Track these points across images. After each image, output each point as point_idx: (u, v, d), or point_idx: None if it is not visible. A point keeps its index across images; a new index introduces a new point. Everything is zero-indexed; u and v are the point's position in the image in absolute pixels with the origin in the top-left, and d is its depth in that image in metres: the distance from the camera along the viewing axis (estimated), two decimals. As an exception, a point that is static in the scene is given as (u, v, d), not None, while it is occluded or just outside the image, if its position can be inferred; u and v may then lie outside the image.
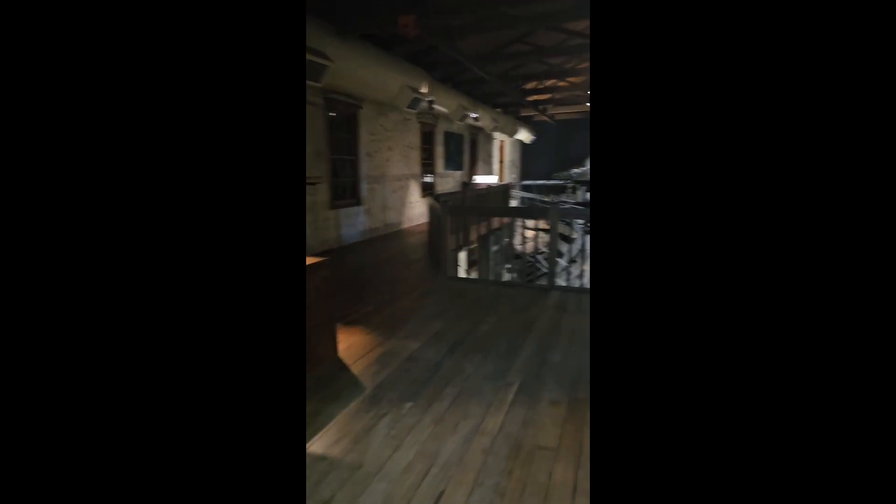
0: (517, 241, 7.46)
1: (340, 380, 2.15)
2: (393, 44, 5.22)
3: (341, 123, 5.83)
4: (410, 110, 5.89)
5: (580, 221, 8.46)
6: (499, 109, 10.00)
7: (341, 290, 3.67)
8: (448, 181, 9.23)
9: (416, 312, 3.16)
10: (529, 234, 8.71)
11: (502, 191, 8.70)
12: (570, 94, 9.63)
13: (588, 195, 12.71)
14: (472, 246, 6.48)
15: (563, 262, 7.91)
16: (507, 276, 7.72)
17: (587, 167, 13.74)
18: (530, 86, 9.05)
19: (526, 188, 13.45)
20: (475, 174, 10.73)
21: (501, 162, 13.00)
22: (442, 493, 1.40)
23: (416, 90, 5.61)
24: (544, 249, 9.12)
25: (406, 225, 7.57)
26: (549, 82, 9.15)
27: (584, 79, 8.27)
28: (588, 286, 4.44)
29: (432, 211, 4.89)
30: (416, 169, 7.87)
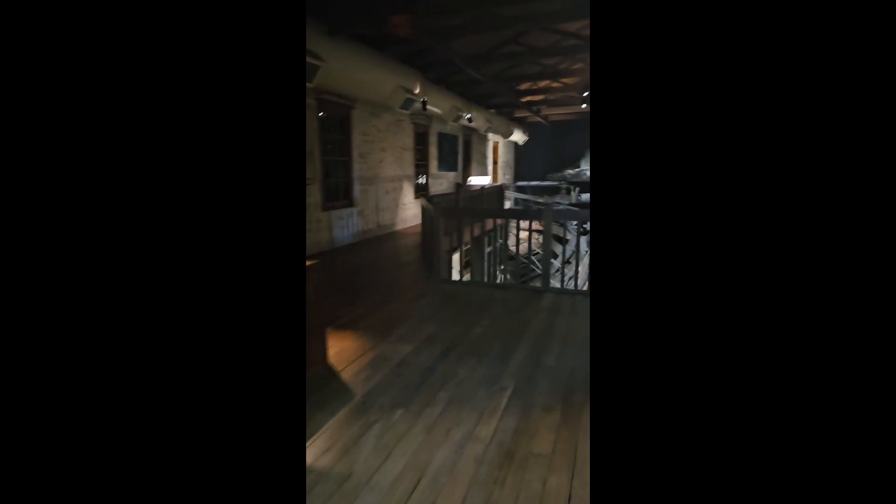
0: (511, 242, 7.44)
1: (330, 386, 2.10)
2: (386, 44, 5.18)
3: (334, 124, 5.78)
4: (404, 111, 5.86)
5: (574, 223, 8.46)
6: (493, 110, 9.99)
7: (333, 293, 3.62)
8: (442, 182, 9.19)
9: (408, 315, 3.12)
10: (523, 235, 8.70)
11: (496, 192, 8.68)
12: (563, 94, 9.64)
13: (582, 196, 12.73)
14: (467, 247, 6.45)
15: (556, 263, 7.90)
16: (500, 278, 7.70)
17: (581, 168, 13.77)
18: (524, 87, 9.04)
19: (520, 189, 13.45)
20: (469, 175, 10.71)
21: (495, 163, 12.99)
22: (433, 504, 1.36)
23: (409, 91, 5.57)
24: (538, 250, 9.11)
25: (399, 226, 7.52)
26: (543, 83, 9.16)
27: (577, 80, 8.27)
28: (582, 288, 4.42)
29: (425, 212, 4.85)
30: (410, 170, 7.82)
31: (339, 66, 4.43)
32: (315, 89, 4.92)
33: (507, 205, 10.79)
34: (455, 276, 5.47)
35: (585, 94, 8.46)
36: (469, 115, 7.97)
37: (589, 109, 10.41)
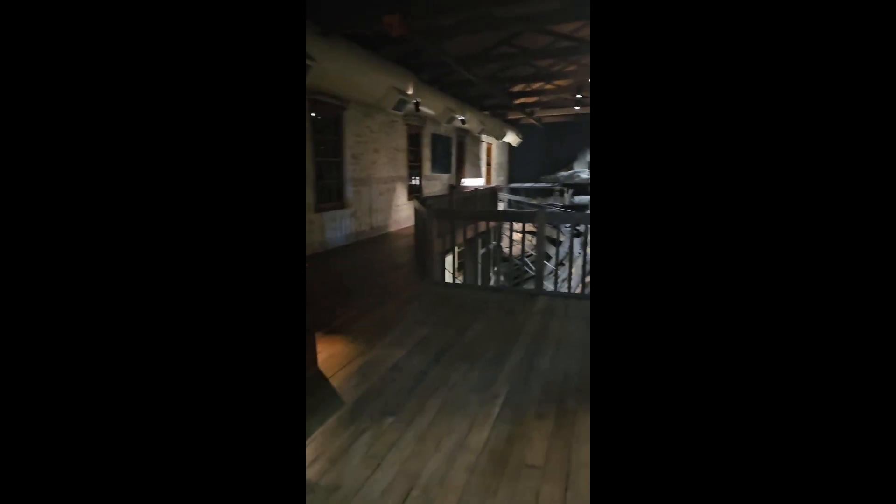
0: (505, 243, 7.42)
1: (319, 393, 2.05)
2: (379, 45, 5.14)
3: (326, 125, 5.73)
4: (397, 112, 5.81)
5: (567, 225, 8.46)
6: (486, 112, 9.98)
7: (324, 296, 3.57)
8: (435, 184, 9.16)
9: (401, 319, 3.08)
10: (517, 236, 8.68)
11: (490, 194, 8.66)
12: (557, 97, 9.65)
13: (575, 198, 12.75)
14: (460, 249, 6.41)
15: (550, 265, 7.89)
16: (494, 280, 7.67)
17: (575, 170, 13.79)
18: (517, 88, 9.03)
19: (514, 191, 13.45)
20: (463, 177, 10.68)
21: (489, 165, 12.98)
22: (423, 517, 1.32)
23: (402, 92, 5.53)
24: (532, 252, 9.10)
25: (393, 228, 7.48)
26: (537, 85, 9.16)
27: (571, 82, 8.28)
28: (575, 290, 4.40)
29: (418, 214, 4.81)
30: (403, 171, 7.78)
31: (332, 67, 4.38)
32: (307, 90, 4.87)
33: (501, 206, 10.78)
34: (448, 278, 5.43)
35: (579, 96, 8.48)
36: (462, 117, 7.94)
37: (582, 111, 10.45)
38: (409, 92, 5.76)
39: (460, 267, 6.82)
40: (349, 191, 6.21)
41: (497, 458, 1.58)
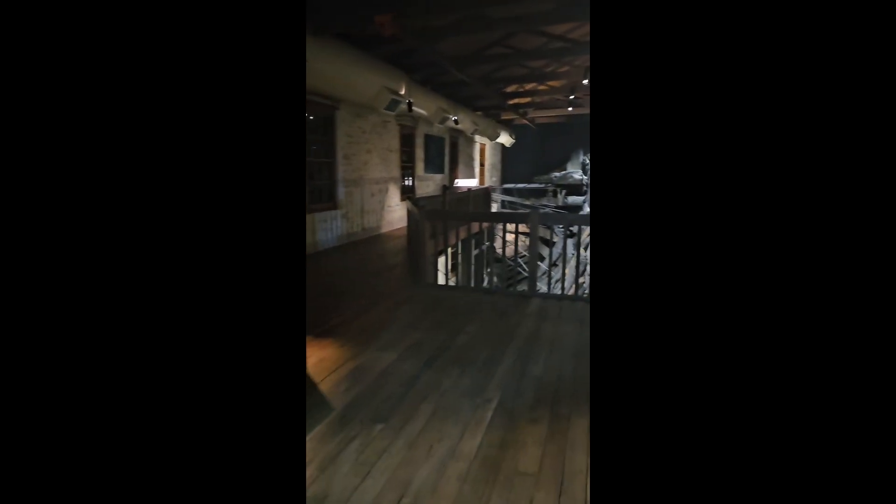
0: (498, 244, 7.39)
1: (307, 399, 2.01)
2: (371, 44, 5.09)
3: (317, 125, 5.67)
4: (389, 112, 5.77)
5: (560, 226, 8.46)
6: (479, 113, 9.96)
7: (314, 299, 3.51)
8: (428, 184, 9.12)
9: (392, 322, 3.04)
10: (510, 237, 8.67)
11: (483, 194, 8.64)
12: (550, 97, 9.65)
13: (568, 199, 12.77)
14: (453, 250, 6.38)
15: (543, 265, 7.88)
16: (487, 280, 7.65)
17: (568, 171, 13.82)
18: (511, 89, 9.02)
19: (507, 191, 13.44)
20: (456, 177, 10.65)
21: (482, 165, 12.97)
22: (413, 528, 1.29)
23: (394, 92, 5.49)
24: (525, 253, 9.09)
25: (385, 229, 7.43)
26: (530, 86, 9.15)
27: (564, 83, 8.29)
28: (569, 292, 4.39)
29: (411, 215, 4.78)
30: (396, 172, 7.73)
31: (323, 66, 4.33)
32: (298, 89, 4.80)
33: (494, 207, 10.76)
34: (441, 279, 5.40)
35: (572, 97, 8.48)
36: (455, 117, 7.91)
37: (575, 112, 10.47)
38: (402, 92, 5.72)
39: (453, 268, 6.79)
40: (341, 192, 6.16)
41: (490, 466, 1.55)
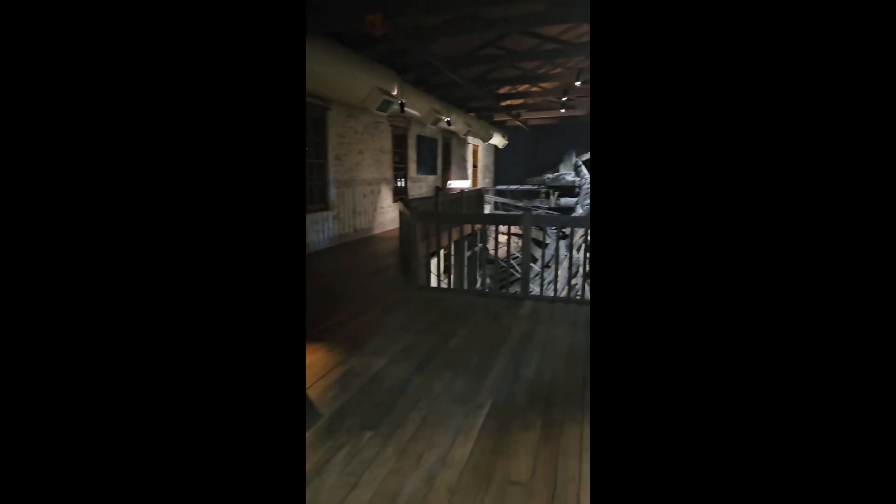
0: (490, 245, 7.37)
1: (296, 405, 1.96)
2: (363, 44, 5.05)
3: (309, 125, 5.60)
4: (381, 113, 5.72)
5: (553, 227, 8.46)
6: (472, 114, 9.94)
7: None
8: (421, 186, 9.07)
9: (383, 325, 2.99)
10: (503, 238, 8.65)
11: (476, 196, 8.61)
12: (543, 99, 9.66)
13: (561, 200, 12.79)
14: (446, 252, 6.35)
15: (536, 267, 7.88)
16: (480, 282, 7.62)
17: (560, 172, 13.84)
18: (503, 90, 9.01)
19: (500, 193, 13.43)
20: (449, 178, 10.62)
21: (475, 166, 12.95)
22: (402, 541, 1.24)
23: (386, 92, 5.44)
24: (518, 254, 9.08)
25: (377, 231, 7.37)
26: (522, 87, 9.15)
27: (556, 84, 8.29)
28: (561, 294, 4.37)
29: (403, 217, 4.74)
30: (388, 173, 7.68)
31: (313, 66, 4.27)
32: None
33: (487, 208, 10.75)
34: (434, 281, 5.36)
35: (564, 98, 8.49)
36: (448, 118, 7.88)
37: (567, 114, 10.48)
38: (394, 93, 5.67)
39: (446, 270, 6.75)
40: (332, 193, 6.10)
41: (481, 474, 1.51)
